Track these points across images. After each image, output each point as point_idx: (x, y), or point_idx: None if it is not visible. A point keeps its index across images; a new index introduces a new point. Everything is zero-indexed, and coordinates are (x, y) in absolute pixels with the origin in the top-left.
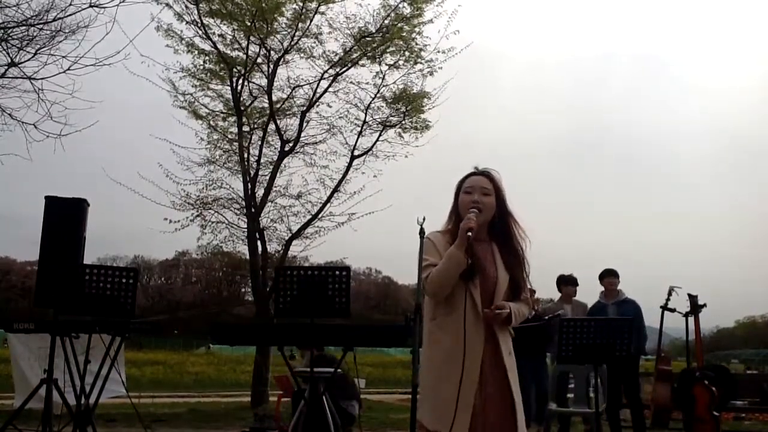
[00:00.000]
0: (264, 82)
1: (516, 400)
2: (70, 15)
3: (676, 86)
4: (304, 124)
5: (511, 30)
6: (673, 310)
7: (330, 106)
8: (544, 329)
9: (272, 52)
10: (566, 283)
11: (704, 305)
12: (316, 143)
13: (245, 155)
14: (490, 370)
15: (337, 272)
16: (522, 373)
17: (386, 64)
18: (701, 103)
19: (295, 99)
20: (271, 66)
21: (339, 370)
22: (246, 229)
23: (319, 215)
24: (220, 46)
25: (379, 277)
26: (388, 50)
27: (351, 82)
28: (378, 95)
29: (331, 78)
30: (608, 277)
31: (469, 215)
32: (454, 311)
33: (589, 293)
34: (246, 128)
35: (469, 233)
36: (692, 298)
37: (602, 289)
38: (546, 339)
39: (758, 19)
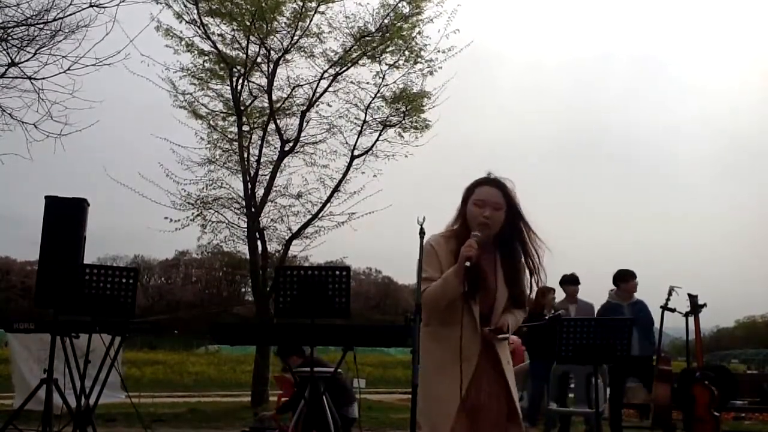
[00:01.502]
0: (264, 81)
1: (516, 408)
2: (70, 15)
3: (674, 86)
4: (304, 124)
5: (510, 30)
6: (673, 310)
7: (330, 106)
8: (553, 329)
9: (272, 51)
10: (568, 282)
11: (704, 305)
12: (316, 143)
13: (245, 155)
14: (489, 381)
15: (337, 272)
16: (534, 373)
17: (386, 64)
18: (700, 103)
19: (295, 99)
20: (271, 65)
21: (339, 371)
22: (246, 229)
23: (319, 215)
24: (220, 46)
25: (379, 277)
26: (388, 50)
27: (351, 82)
28: (378, 95)
29: (331, 78)
30: (633, 279)
31: (469, 241)
32: (450, 324)
33: (590, 293)
34: (246, 128)
35: (468, 263)
36: (692, 298)
37: (613, 288)
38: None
39: (757, 19)
